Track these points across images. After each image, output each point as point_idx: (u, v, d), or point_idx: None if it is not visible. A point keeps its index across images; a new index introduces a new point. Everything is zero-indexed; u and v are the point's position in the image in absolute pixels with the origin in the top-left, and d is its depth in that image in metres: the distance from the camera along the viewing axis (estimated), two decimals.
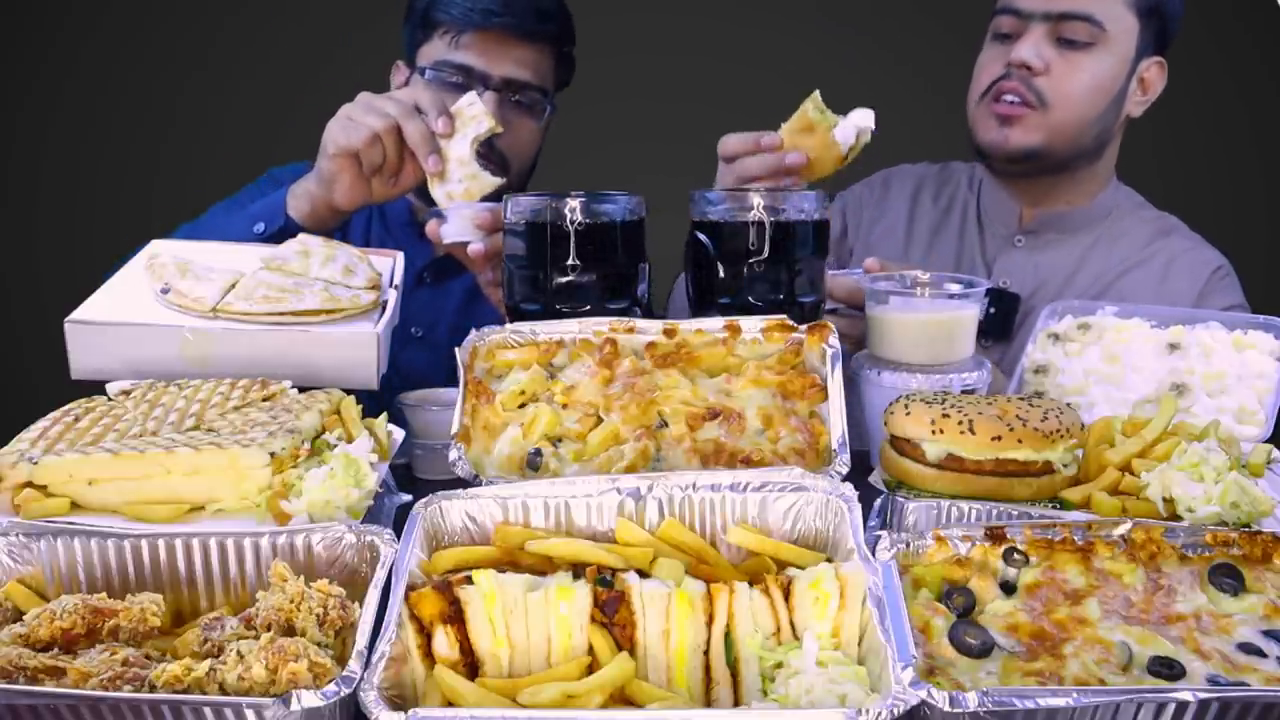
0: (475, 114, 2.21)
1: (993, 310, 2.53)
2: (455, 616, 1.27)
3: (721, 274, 1.98)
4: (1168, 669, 1.24)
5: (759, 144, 2.17)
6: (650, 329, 1.85)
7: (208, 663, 1.20)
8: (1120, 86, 2.52)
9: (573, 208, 1.94)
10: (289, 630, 1.29)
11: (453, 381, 1.78)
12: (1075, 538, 1.44)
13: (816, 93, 2.12)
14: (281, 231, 2.29)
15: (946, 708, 1.14)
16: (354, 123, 2.19)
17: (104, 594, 1.35)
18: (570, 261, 1.95)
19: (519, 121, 2.63)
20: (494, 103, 2.54)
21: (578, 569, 1.33)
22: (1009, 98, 2.50)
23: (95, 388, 1.85)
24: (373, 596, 1.30)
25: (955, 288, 2.03)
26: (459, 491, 1.48)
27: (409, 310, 2.65)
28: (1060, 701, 1.14)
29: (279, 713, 1.13)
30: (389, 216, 2.81)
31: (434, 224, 2.20)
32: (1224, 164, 3.95)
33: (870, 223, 2.89)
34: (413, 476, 2.02)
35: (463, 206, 2.19)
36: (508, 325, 1.87)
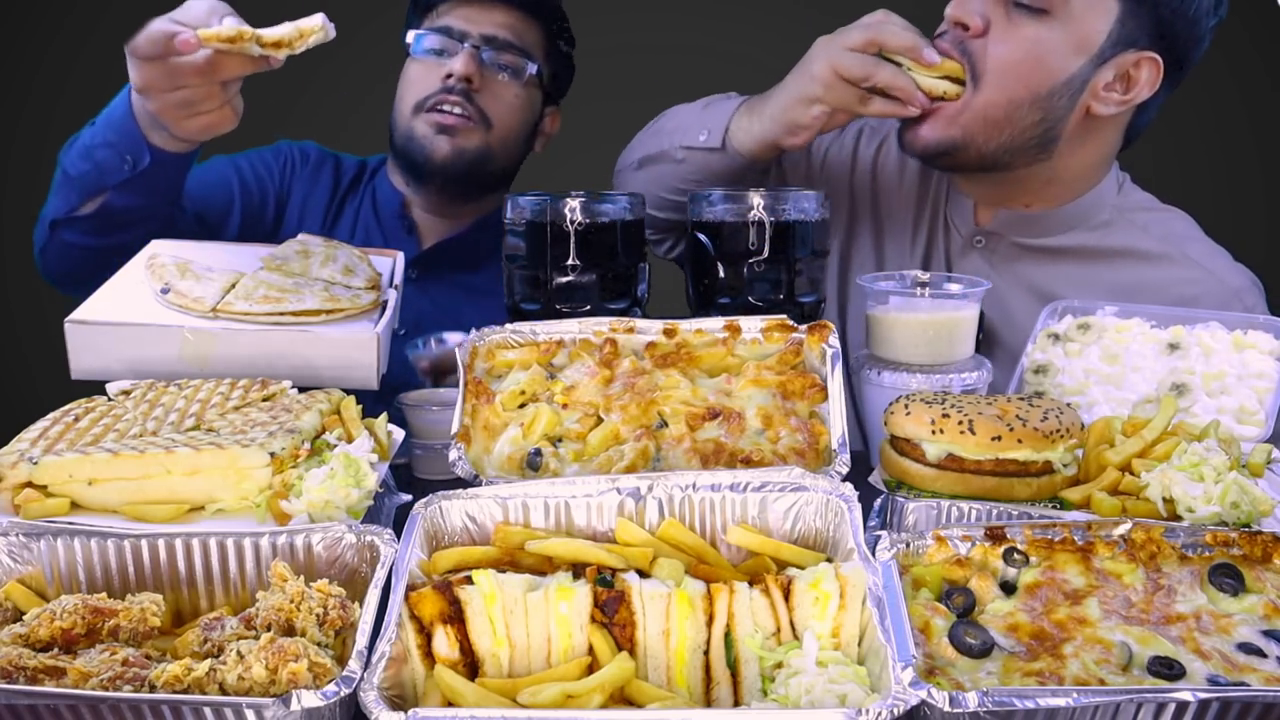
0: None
1: None
2: (455, 616, 1.27)
3: (721, 274, 1.98)
4: (1168, 669, 1.24)
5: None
6: (650, 329, 1.85)
7: (208, 663, 1.20)
8: (1076, 71, 2.16)
9: (573, 208, 1.94)
10: (289, 630, 1.29)
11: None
12: (1075, 538, 1.44)
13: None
14: (153, 163, 2.18)
15: (946, 708, 1.14)
16: (201, 115, 2.00)
17: (104, 594, 1.35)
18: (570, 261, 1.95)
19: (498, 82, 2.63)
20: (472, 58, 2.56)
21: (578, 569, 1.33)
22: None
23: (95, 388, 1.85)
24: (373, 596, 1.30)
25: (955, 288, 2.03)
26: (459, 491, 1.48)
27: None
28: (1060, 701, 1.15)
29: (279, 713, 1.13)
30: (380, 205, 2.81)
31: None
32: (1223, 164, 3.95)
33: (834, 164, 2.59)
34: (413, 476, 2.02)
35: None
36: (508, 325, 1.87)
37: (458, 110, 2.59)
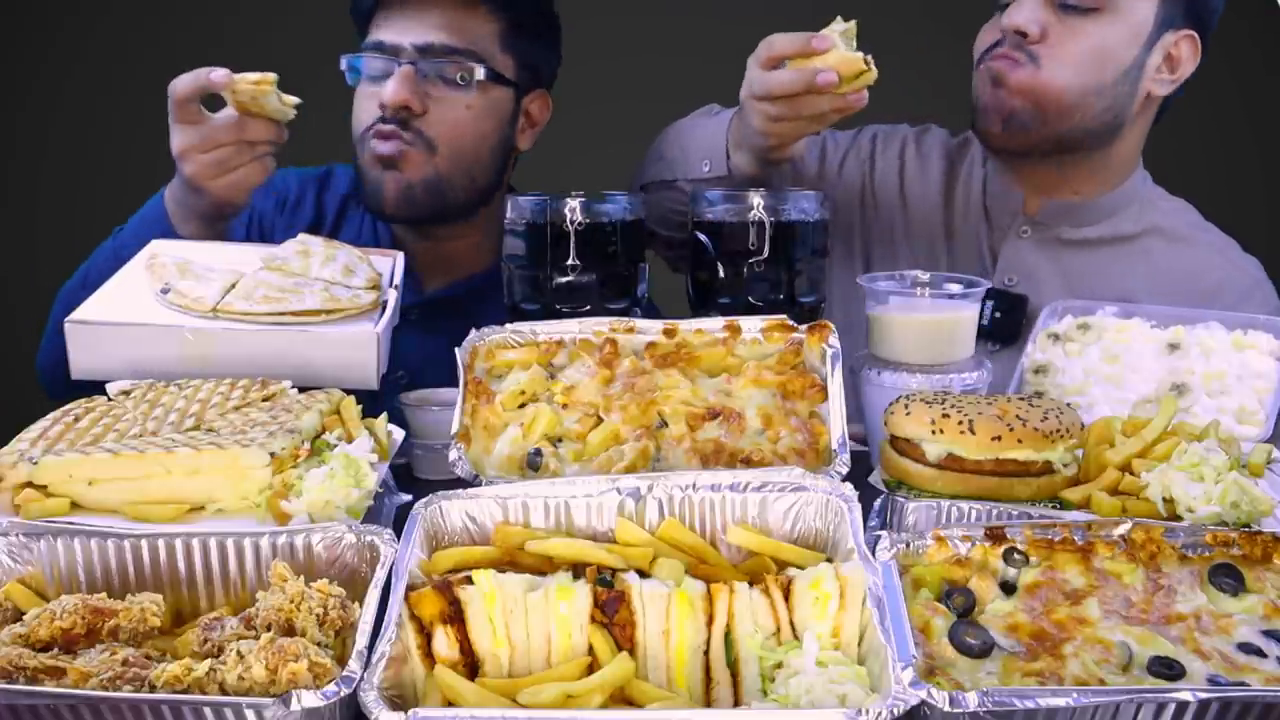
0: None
1: (998, 314, 2.37)
2: (455, 616, 1.27)
3: (721, 274, 1.98)
4: (1168, 669, 1.24)
5: (809, 44, 2.02)
6: (650, 329, 1.85)
7: (208, 663, 1.20)
8: (1134, 59, 2.30)
9: (573, 208, 1.94)
10: (289, 630, 1.29)
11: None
12: (1075, 538, 1.44)
13: (853, 24, 2.03)
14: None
15: (946, 708, 1.14)
16: (232, 171, 2.16)
17: (104, 594, 1.35)
18: (570, 261, 1.95)
19: (440, 96, 2.35)
20: (406, 81, 2.30)
21: (578, 569, 1.33)
22: (1001, 63, 2.33)
23: (95, 388, 1.85)
24: (373, 596, 1.31)
25: (955, 288, 2.03)
26: (459, 491, 1.49)
27: None
28: (1060, 701, 1.15)
29: (279, 713, 1.13)
30: (380, 230, 2.61)
31: None
32: (1224, 165, 3.95)
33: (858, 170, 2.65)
34: (413, 476, 2.01)
35: None
36: (508, 325, 1.87)
37: (397, 138, 2.32)
